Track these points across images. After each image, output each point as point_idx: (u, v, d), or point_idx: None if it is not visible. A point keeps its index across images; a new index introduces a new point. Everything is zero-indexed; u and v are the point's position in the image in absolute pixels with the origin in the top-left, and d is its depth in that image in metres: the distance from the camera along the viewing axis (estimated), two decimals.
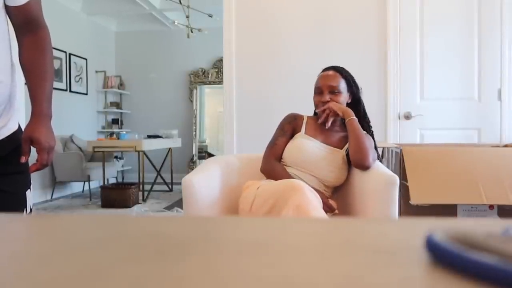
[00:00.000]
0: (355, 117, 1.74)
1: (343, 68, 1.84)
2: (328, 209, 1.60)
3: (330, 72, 1.81)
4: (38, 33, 1.09)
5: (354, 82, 1.83)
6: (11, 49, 1.05)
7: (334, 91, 1.76)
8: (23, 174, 1.06)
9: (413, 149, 1.86)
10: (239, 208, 1.67)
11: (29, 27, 1.07)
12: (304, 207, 1.36)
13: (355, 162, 1.67)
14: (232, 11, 2.97)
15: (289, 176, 1.69)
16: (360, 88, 1.84)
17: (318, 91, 1.80)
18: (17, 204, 1.04)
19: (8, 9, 1.03)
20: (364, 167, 1.65)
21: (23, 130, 1.09)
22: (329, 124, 1.77)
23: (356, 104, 1.82)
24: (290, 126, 1.84)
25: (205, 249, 0.28)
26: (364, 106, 1.85)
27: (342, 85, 1.78)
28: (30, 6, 1.05)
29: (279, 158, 1.79)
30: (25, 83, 1.10)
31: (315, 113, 1.92)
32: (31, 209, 1.09)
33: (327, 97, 1.76)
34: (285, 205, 1.38)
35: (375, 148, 1.79)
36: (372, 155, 1.67)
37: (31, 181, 1.10)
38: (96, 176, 5.15)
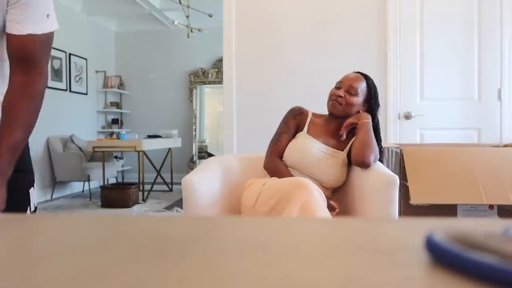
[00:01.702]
0: (369, 121, 1.74)
1: (371, 79, 1.82)
2: (329, 209, 1.59)
3: (357, 74, 1.80)
4: (32, 78, 0.96)
5: (376, 96, 1.81)
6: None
7: (351, 92, 1.75)
8: (25, 172, 1.05)
9: (413, 149, 1.86)
10: (242, 204, 1.66)
11: (23, 66, 0.95)
12: (309, 206, 1.35)
13: (357, 158, 1.67)
14: (232, 11, 2.97)
15: (291, 175, 1.69)
16: (379, 106, 1.83)
17: (337, 85, 1.79)
18: (19, 201, 1.03)
19: (7, 37, 0.94)
20: (365, 164, 1.65)
21: None
22: (343, 136, 1.78)
23: (371, 117, 1.80)
24: (294, 122, 1.83)
25: (205, 249, 0.28)
26: (378, 121, 1.83)
27: (361, 89, 1.76)
28: (28, 40, 0.92)
29: (282, 156, 1.79)
30: None
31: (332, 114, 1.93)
32: (35, 208, 1.08)
33: (341, 92, 1.75)
34: (290, 202, 1.38)
35: (380, 152, 1.79)
36: (374, 155, 1.67)
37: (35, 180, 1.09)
38: (96, 176, 5.15)
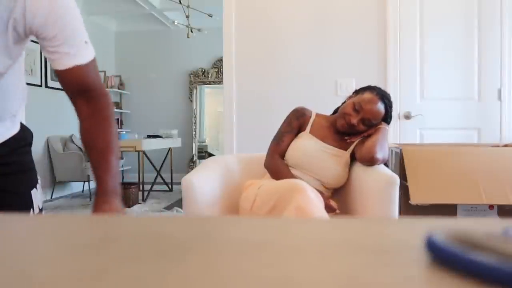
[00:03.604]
0: (387, 128, 1.74)
1: (389, 99, 1.77)
2: (329, 209, 1.59)
3: (380, 106, 1.72)
4: (98, 103, 0.96)
5: (391, 114, 1.78)
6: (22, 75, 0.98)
7: (366, 123, 1.72)
8: (26, 173, 1.04)
9: (413, 149, 1.86)
10: (240, 207, 1.66)
11: (83, 96, 0.95)
12: (306, 208, 1.34)
13: (366, 153, 1.65)
14: (232, 11, 2.97)
15: (292, 176, 1.68)
16: (391, 117, 1.81)
17: (357, 108, 1.72)
18: (21, 203, 1.02)
19: (57, 74, 0.92)
20: (373, 159, 1.63)
21: (23, 127, 1.07)
22: (351, 140, 1.78)
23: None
24: (297, 123, 1.81)
25: (205, 249, 0.28)
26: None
27: (377, 120, 1.74)
28: (77, 72, 0.91)
29: (283, 155, 1.78)
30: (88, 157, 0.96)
31: (335, 111, 1.93)
32: (40, 209, 1.07)
33: (356, 120, 1.71)
34: (287, 205, 1.37)
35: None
36: (383, 155, 1.67)
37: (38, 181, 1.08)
38: None
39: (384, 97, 1.75)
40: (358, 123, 1.72)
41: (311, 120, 1.83)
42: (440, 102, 2.87)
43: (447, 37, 2.86)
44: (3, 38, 0.83)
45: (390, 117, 1.79)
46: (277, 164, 1.75)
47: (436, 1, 2.87)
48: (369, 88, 1.79)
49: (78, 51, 0.91)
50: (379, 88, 1.80)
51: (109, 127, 0.97)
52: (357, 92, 1.82)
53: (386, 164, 1.77)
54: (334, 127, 1.81)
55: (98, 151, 0.94)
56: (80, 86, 0.94)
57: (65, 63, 0.90)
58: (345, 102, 1.83)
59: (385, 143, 1.69)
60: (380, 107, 1.72)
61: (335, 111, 1.94)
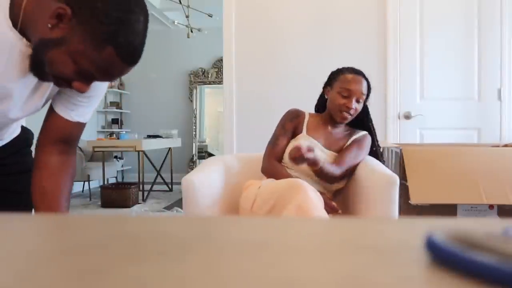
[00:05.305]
0: (367, 140, 1.79)
1: (367, 78, 1.81)
2: (330, 210, 1.58)
3: (362, 79, 1.75)
4: (69, 157, 0.99)
5: (370, 89, 1.81)
6: None
7: (360, 100, 1.73)
8: (27, 174, 1.05)
9: (413, 149, 1.86)
10: (240, 207, 1.66)
11: (60, 146, 0.97)
12: (306, 207, 1.34)
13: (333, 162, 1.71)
14: (232, 11, 2.97)
15: (290, 177, 1.68)
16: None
17: (346, 94, 1.72)
18: (22, 203, 1.03)
19: (52, 116, 0.94)
20: (332, 177, 1.68)
21: (24, 128, 1.08)
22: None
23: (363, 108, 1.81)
24: (291, 124, 1.81)
25: (205, 249, 0.28)
26: (367, 109, 1.85)
27: (366, 93, 1.76)
28: (74, 126, 0.95)
29: (280, 159, 1.77)
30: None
31: (317, 109, 1.94)
32: None
33: (352, 103, 1.72)
34: (287, 205, 1.37)
35: (377, 145, 1.81)
36: (341, 171, 1.69)
37: None
38: (96, 176, 5.14)
39: (360, 72, 1.79)
40: (354, 105, 1.73)
41: (306, 121, 1.81)
42: (440, 102, 2.87)
43: (447, 37, 2.86)
44: (51, 88, 0.88)
45: (370, 92, 1.82)
46: (274, 166, 1.74)
47: (436, 1, 2.87)
48: (341, 71, 1.80)
49: (89, 112, 0.97)
50: (350, 67, 1.82)
51: (69, 186, 1.00)
52: (330, 81, 1.83)
53: (382, 160, 1.79)
54: (329, 124, 1.81)
55: (52, 206, 0.95)
56: (66, 137, 0.97)
57: (73, 116, 0.93)
58: (323, 96, 1.85)
59: (352, 160, 1.73)
60: (362, 79, 1.76)
61: (318, 108, 1.94)
